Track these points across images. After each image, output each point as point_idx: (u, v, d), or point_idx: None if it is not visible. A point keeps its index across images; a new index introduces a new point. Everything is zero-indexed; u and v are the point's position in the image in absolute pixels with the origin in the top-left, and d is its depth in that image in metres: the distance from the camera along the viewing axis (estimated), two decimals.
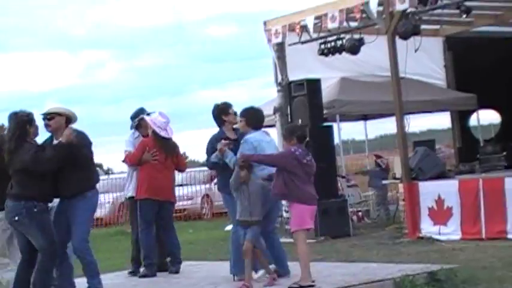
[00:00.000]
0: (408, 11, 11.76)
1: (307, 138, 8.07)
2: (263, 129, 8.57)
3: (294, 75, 13.84)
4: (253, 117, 8.37)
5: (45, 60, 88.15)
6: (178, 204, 21.76)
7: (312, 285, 7.47)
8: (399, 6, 11.62)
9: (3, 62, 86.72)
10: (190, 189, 22.09)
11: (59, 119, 7.49)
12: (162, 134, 9.03)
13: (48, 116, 7.50)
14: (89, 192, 7.48)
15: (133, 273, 9.37)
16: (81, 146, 7.37)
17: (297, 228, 7.68)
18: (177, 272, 9.27)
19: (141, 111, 9.50)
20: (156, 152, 9.06)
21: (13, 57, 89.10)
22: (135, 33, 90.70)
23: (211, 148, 8.48)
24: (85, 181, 7.48)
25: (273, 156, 7.87)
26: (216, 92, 79.64)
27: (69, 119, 7.55)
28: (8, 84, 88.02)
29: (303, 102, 13.28)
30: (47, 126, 7.54)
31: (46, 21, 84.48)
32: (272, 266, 8.12)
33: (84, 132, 7.54)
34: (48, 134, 7.65)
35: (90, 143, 7.56)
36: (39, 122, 7.54)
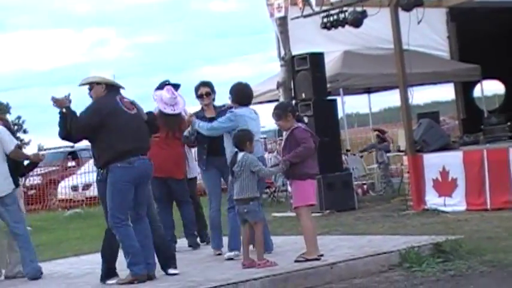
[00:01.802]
0: None
1: (298, 113, 8.06)
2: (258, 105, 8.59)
3: (297, 49, 13.81)
4: (239, 94, 8.31)
5: (49, 38, 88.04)
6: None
7: (318, 259, 7.51)
8: None
9: (4, 41, 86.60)
10: None
11: (98, 88, 7.44)
12: (166, 110, 8.98)
13: (89, 86, 7.50)
14: (111, 165, 7.26)
15: None
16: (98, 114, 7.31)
17: (300, 204, 7.67)
18: (190, 245, 9.39)
19: (166, 83, 9.40)
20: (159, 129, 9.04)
21: (15, 36, 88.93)
22: (138, 10, 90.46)
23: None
24: (105, 152, 7.30)
25: (304, 148, 7.63)
26: (219, 67, 79.69)
27: (110, 85, 7.46)
28: (10, 63, 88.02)
29: (306, 76, 13.27)
30: (90, 96, 7.56)
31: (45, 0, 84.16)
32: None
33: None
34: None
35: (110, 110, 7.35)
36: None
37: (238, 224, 7.91)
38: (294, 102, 12.82)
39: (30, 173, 22.05)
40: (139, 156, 7.34)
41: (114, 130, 7.23)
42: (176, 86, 9.37)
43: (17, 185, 8.75)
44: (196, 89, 8.92)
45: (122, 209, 7.23)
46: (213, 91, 8.90)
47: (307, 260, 7.49)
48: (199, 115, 8.69)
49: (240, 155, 7.59)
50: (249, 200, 7.55)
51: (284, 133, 7.96)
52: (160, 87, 9.31)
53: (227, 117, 8.14)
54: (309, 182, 7.64)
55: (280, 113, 7.74)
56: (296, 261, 7.53)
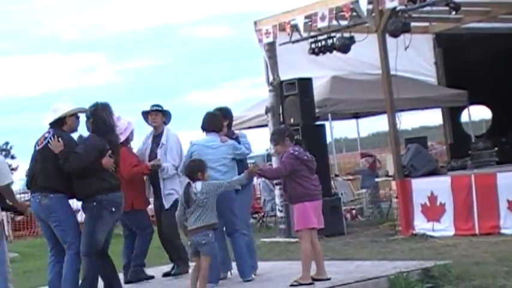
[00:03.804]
0: (398, 8, 11.78)
1: (296, 136, 8.04)
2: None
3: (285, 75, 13.86)
4: (203, 121, 8.42)
5: (37, 63, 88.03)
6: None
7: (312, 283, 7.49)
8: (389, 4, 11.65)
9: None
10: None
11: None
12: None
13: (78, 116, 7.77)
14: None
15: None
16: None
17: (300, 228, 7.67)
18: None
19: (153, 108, 9.38)
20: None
21: (3, 62, 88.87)
22: (127, 35, 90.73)
23: None
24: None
25: (278, 168, 7.76)
26: (208, 92, 79.78)
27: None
28: None
29: (295, 101, 13.30)
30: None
31: (34, 26, 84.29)
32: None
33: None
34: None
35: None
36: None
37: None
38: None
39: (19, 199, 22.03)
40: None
41: None
42: (165, 112, 9.39)
43: None
44: None
45: None
46: (224, 117, 8.72)
47: (300, 284, 7.48)
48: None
49: (198, 184, 7.50)
50: (212, 226, 7.45)
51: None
52: (145, 113, 9.33)
53: (188, 149, 8.34)
54: (307, 204, 7.60)
55: (277, 138, 7.82)
56: (291, 285, 7.51)
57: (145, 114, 9.35)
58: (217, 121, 8.43)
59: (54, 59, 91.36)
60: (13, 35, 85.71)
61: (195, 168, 7.63)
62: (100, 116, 7.46)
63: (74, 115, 7.57)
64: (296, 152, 7.65)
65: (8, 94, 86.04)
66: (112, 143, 7.42)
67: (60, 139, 7.40)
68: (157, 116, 9.28)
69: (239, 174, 8.07)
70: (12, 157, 60.25)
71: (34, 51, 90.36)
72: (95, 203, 7.26)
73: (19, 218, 22.05)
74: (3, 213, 8.53)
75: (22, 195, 21.98)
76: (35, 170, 7.58)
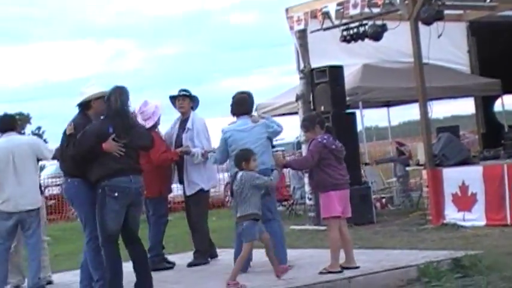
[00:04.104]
0: None
1: (327, 124, 7.99)
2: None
3: (316, 62, 13.80)
4: (232, 106, 8.36)
5: (70, 49, 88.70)
6: None
7: (341, 271, 7.49)
8: None
9: (27, 52, 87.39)
10: None
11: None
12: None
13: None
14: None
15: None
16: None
17: (325, 216, 7.71)
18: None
19: (181, 93, 9.35)
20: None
21: (38, 47, 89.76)
22: (159, 21, 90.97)
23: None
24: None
25: (305, 158, 7.76)
26: (238, 80, 79.77)
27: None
28: (32, 74, 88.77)
29: (326, 89, 13.26)
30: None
31: (70, 11, 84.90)
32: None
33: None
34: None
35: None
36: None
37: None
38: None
39: (50, 183, 22.30)
40: None
41: None
42: (192, 97, 9.36)
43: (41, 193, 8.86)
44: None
45: None
46: None
47: (329, 272, 7.50)
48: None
49: (239, 174, 7.54)
50: (248, 217, 7.42)
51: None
52: (173, 97, 9.33)
53: (221, 137, 8.24)
54: (332, 193, 7.61)
55: (307, 125, 7.85)
56: (320, 273, 7.54)
57: (173, 99, 9.34)
58: (246, 103, 8.39)
59: (87, 44, 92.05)
60: (48, 21, 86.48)
61: (238, 158, 7.65)
62: (109, 99, 7.29)
63: (100, 98, 7.45)
64: (324, 141, 7.63)
65: (41, 79, 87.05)
66: (118, 128, 7.19)
67: (72, 123, 7.39)
68: (185, 101, 9.27)
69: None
70: (45, 141, 60.71)
71: (68, 37, 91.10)
72: (100, 190, 7.16)
73: (51, 202, 22.30)
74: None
75: (53, 179, 22.25)
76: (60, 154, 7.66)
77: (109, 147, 7.11)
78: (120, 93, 7.29)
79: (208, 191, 9.46)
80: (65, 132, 7.45)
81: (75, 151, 7.24)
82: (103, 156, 7.13)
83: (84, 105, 7.53)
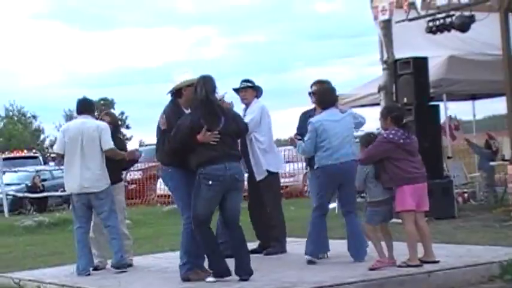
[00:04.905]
0: None
1: (405, 120, 7.77)
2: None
3: (400, 53, 13.63)
4: (317, 98, 8.32)
5: (154, 36, 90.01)
6: (281, 181, 22.08)
7: (420, 265, 7.41)
8: None
9: (111, 38, 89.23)
10: (292, 167, 22.16)
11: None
12: None
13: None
14: None
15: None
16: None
17: (399, 209, 7.63)
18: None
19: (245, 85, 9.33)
20: None
21: (122, 33, 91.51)
22: (241, 9, 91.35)
23: (298, 124, 8.76)
24: None
25: (366, 152, 7.66)
26: (320, 69, 79.49)
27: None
28: (116, 60, 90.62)
29: (409, 80, 13.08)
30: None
31: None
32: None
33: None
34: None
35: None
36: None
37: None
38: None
39: (131, 168, 22.75)
40: None
41: None
42: (255, 87, 9.28)
43: (120, 179, 9.04)
44: (310, 86, 8.88)
45: None
46: None
47: (408, 265, 7.42)
48: (311, 114, 8.60)
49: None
50: (374, 204, 7.71)
51: None
52: (236, 90, 9.28)
53: (309, 128, 8.14)
54: (405, 187, 7.51)
55: (384, 113, 7.81)
56: (399, 266, 7.47)
57: (237, 91, 9.33)
58: (331, 94, 8.34)
59: (171, 31, 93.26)
60: (133, 7, 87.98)
61: (361, 143, 7.77)
62: (195, 90, 7.36)
63: (192, 86, 7.49)
64: (391, 135, 7.53)
65: (125, 65, 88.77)
66: (207, 118, 7.24)
67: (165, 116, 7.51)
68: (247, 92, 9.20)
69: None
70: (127, 127, 62.16)
71: (152, 23, 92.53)
72: (197, 177, 7.30)
73: (132, 186, 22.76)
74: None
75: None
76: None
77: (203, 139, 7.23)
78: (204, 83, 7.36)
79: (277, 174, 9.43)
80: (159, 127, 7.60)
81: (171, 147, 7.42)
82: (199, 146, 7.25)
83: (176, 93, 7.64)
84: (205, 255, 7.52)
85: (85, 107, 8.85)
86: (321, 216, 8.26)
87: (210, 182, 7.21)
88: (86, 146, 8.48)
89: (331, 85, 8.53)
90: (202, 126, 7.22)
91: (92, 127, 8.58)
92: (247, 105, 9.29)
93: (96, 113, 9.60)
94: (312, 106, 8.77)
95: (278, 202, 9.44)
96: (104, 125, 8.73)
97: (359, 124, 8.33)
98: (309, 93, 8.83)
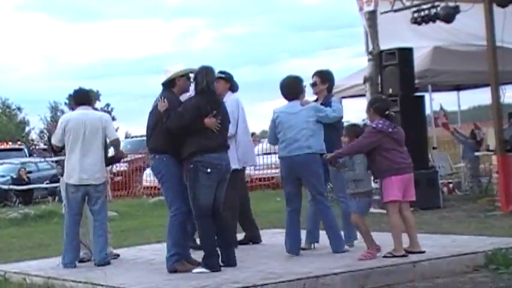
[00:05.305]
0: None
1: (388, 111, 7.74)
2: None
3: (385, 44, 13.65)
4: (280, 89, 8.31)
5: (140, 28, 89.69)
6: (267, 173, 22.08)
7: (405, 255, 7.44)
8: None
9: (97, 30, 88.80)
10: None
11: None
12: None
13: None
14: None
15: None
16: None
17: (386, 200, 7.66)
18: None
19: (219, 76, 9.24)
20: None
21: (108, 25, 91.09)
22: (228, 1, 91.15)
23: None
24: None
25: (357, 143, 7.68)
26: (306, 61, 79.39)
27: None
28: (101, 52, 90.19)
29: (394, 71, 13.11)
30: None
31: None
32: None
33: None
34: None
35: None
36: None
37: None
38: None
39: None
40: None
41: None
42: (228, 79, 9.23)
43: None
44: (312, 77, 8.77)
45: None
46: (323, 80, 8.64)
47: (394, 256, 7.44)
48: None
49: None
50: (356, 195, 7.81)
51: None
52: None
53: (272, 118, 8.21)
54: (393, 178, 7.54)
55: (367, 106, 7.91)
56: (384, 256, 7.50)
57: None
58: (293, 86, 8.26)
59: (156, 23, 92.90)
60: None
61: (347, 134, 7.86)
62: (196, 79, 7.52)
63: (185, 76, 7.64)
64: (379, 125, 7.56)
65: (109, 57, 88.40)
66: (213, 105, 7.44)
67: (165, 99, 7.52)
68: (219, 83, 8.83)
69: (331, 143, 8.04)
70: (113, 119, 61.90)
71: (137, 15, 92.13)
72: (191, 165, 7.32)
73: (118, 178, 22.69)
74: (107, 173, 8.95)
75: None
76: (147, 132, 7.78)
77: (210, 123, 7.34)
78: (206, 73, 7.52)
79: (241, 170, 9.28)
80: (152, 113, 7.58)
81: (175, 123, 7.39)
82: (196, 132, 7.32)
83: (169, 83, 7.67)
84: (202, 247, 7.50)
85: (82, 97, 8.80)
86: (291, 212, 8.23)
87: (209, 170, 7.30)
88: (89, 136, 8.42)
89: (298, 79, 8.36)
90: (209, 111, 7.35)
91: (95, 118, 8.57)
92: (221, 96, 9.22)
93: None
94: (314, 97, 8.71)
95: (235, 201, 9.12)
96: (106, 116, 8.81)
97: (326, 118, 8.14)
98: (310, 84, 8.73)
